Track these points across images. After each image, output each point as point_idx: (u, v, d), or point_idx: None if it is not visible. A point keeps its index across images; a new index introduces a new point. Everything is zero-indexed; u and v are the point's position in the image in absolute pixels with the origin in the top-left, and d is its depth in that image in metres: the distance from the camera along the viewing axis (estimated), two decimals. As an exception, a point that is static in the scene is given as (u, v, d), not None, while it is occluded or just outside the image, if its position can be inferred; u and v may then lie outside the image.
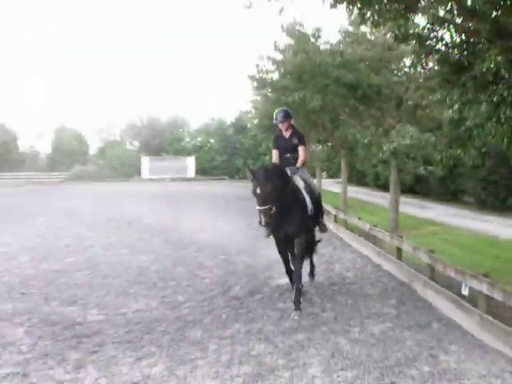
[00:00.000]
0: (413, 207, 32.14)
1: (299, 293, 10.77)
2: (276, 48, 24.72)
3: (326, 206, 27.35)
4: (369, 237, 17.70)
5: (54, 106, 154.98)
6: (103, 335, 9.19)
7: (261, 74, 28.64)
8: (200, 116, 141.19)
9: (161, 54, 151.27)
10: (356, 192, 46.25)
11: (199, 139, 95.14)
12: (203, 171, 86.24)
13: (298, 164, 11.84)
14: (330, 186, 55.31)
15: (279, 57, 25.73)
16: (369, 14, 11.47)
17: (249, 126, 74.36)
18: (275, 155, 12.06)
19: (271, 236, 11.51)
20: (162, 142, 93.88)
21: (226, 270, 14.42)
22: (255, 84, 30.73)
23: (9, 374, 7.59)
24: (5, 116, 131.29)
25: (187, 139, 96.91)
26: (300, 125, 33.55)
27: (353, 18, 19.18)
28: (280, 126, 11.98)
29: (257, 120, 47.83)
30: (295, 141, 11.91)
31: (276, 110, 12.18)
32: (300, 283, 11.02)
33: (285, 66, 24.72)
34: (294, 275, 11.23)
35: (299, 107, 24.60)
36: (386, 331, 9.41)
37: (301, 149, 11.92)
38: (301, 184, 11.52)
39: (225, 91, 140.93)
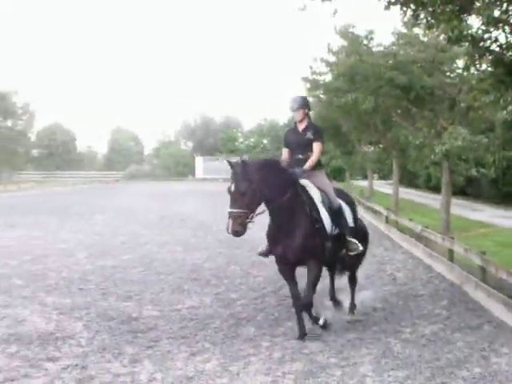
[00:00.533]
0: (464, 209, 31.80)
1: (302, 327, 9.04)
2: (329, 50, 24.82)
3: (377, 207, 27.42)
4: (420, 238, 17.65)
5: (110, 107, 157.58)
6: (158, 331, 9.39)
7: (314, 76, 28.80)
8: (253, 116, 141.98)
9: (215, 54, 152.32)
10: (407, 193, 45.85)
11: (252, 140, 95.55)
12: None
13: (307, 165, 9.45)
14: (381, 187, 54.97)
15: (332, 59, 25.84)
16: (422, 16, 11.48)
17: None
18: (284, 155, 9.85)
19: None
20: (216, 142, 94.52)
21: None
22: (308, 85, 30.88)
23: (68, 365, 7.78)
24: (64, 117, 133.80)
25: (240, 139, 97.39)
26: (352, 126, 33.80)
27: (406, 19, 19.12)
28: (294, 115, 9.83)
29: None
30: (309, 135, 9.62)
31: (291, 97, 9.99)
32: (308, 312, 9.17)
33: (338, 67, 24.79)
34: (300, 303, 9.12)
35: (352, 109, 24.69)
36: (437, 332, 9.40)
37: (315, 145, 9.59)
38: (316, 195, 9.28)
39: (278, 92, 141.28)
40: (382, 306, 11.09)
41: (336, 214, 9.38)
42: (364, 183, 56.96)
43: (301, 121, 9.77)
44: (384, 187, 56.01)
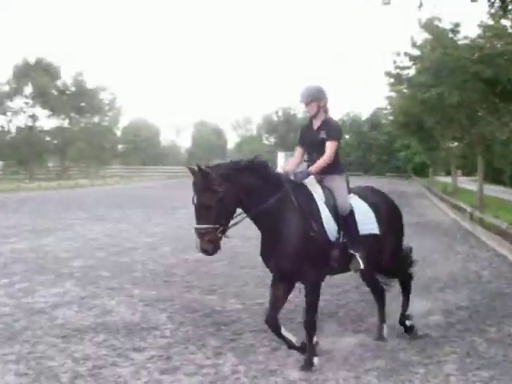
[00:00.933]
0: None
1: (309, 356, 7.62)
2: (413, 44, 24.55)
3: (461, 204, 26.89)
4: (506, 235, 17.27)
5: (193, 101, 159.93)
6: (241, 324, 9.50)
7: (397, 70, 28.50)
8: (335, 112, 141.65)
9: (298, 47, 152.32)
10: (492, 190, 44.83)
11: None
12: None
13: (313, 167, 8.01)
14: (465, 183, 53.89)
15: (416, 53, 25.53)
16: (511, 7, 11.24)
17: (384, 122, 73.93)
18: (296, 155, 8.55)
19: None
20: (298, 137, 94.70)
21: (359, 266, 14.43)
22: (391, 80, 30.58)
23: (153, 356, 7.96)
24: (148, 112, 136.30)
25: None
26: (436, 121, 33.28)
27: (493, 11, 18.70)
28: (307, 109, 8.35)
29: (392, 116, 47.52)
30: (323, 135, 8.13)
31: (303, 87, 8.34)
32: (310, 339, 7.69)
33: (422, 61, 24.47)
34: (304, 325, 7.85)
35: (436, 103, 24.36)
36: (524, 332, 9.16)
37: (327, 145, 8.05)
38: (319, 194, 7.89)
39: (361, 87, 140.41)
40: (466, 304, 10.91)
41: (344, 220, 7.89)
42: (447, 179, 55.92)
43: (315, 116, 8.27)
44: (468, 184, 54.93)
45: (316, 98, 8.15)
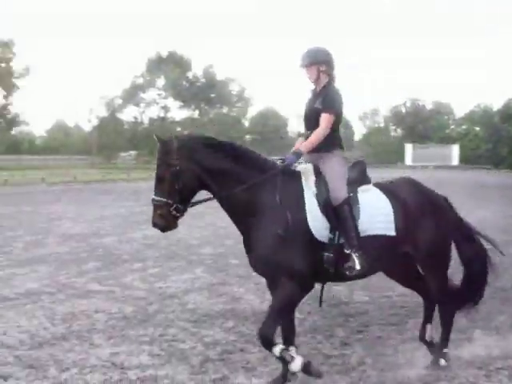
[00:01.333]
0: None
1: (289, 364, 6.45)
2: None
3: None
4: None
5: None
6: (368, 316, 9.51)
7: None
8: (465, 103, 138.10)
9: (424, 36, 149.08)
10: None
11: (464, 127, 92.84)
12: (466, 160, 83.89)
13: (303, 146, 6.77)
14: None
15: None
16: None
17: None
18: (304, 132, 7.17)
19: None
20: (426, 129, 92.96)
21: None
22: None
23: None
24: (277, 103, 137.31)
25: (452, 127, 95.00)
26: None
27: None
28: (307, 75, 6.94)
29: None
30: (318, 104, 6.80)
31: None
32: (268, 349, 6.53)
33: None
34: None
35: None
36: None
37: (322, 117, 6.72)
38: (311, 186, 6.58)
39: (492, 77, 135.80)
40: None
41: (333, 212, 6.50)
42: None
43: (316, 83, 6.96)
44: None
45: (316, 61, 6.84)
